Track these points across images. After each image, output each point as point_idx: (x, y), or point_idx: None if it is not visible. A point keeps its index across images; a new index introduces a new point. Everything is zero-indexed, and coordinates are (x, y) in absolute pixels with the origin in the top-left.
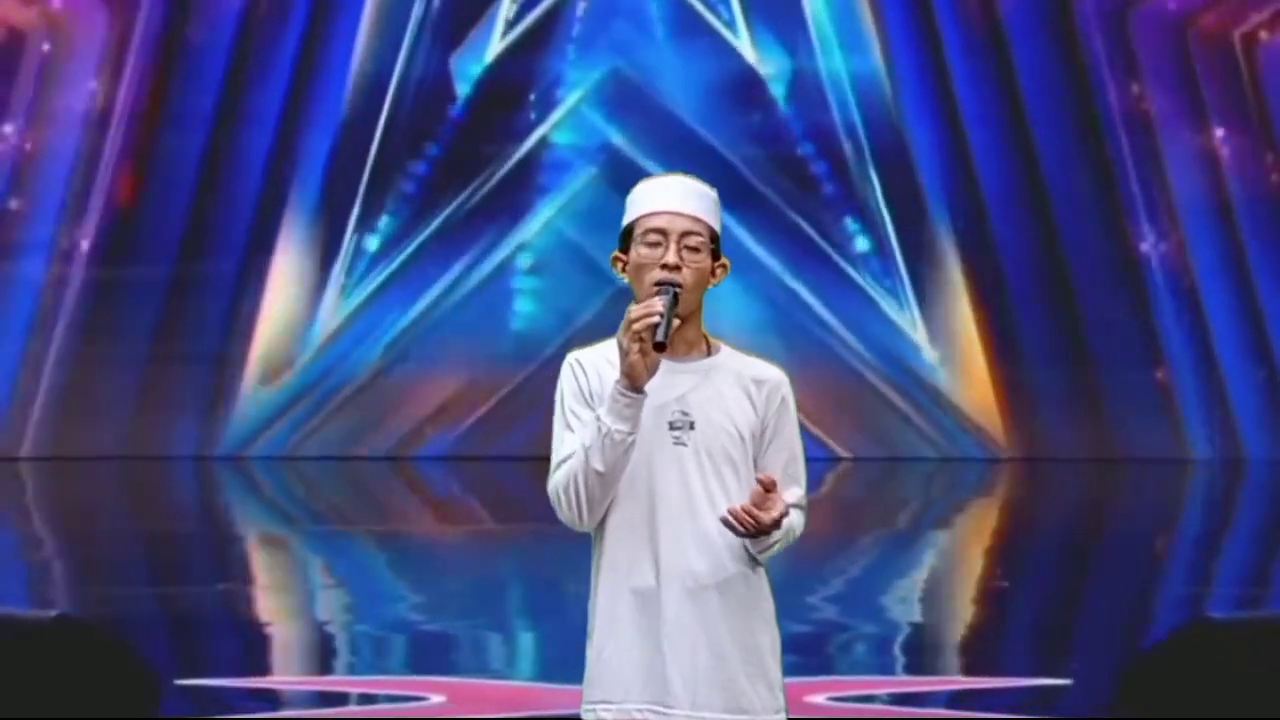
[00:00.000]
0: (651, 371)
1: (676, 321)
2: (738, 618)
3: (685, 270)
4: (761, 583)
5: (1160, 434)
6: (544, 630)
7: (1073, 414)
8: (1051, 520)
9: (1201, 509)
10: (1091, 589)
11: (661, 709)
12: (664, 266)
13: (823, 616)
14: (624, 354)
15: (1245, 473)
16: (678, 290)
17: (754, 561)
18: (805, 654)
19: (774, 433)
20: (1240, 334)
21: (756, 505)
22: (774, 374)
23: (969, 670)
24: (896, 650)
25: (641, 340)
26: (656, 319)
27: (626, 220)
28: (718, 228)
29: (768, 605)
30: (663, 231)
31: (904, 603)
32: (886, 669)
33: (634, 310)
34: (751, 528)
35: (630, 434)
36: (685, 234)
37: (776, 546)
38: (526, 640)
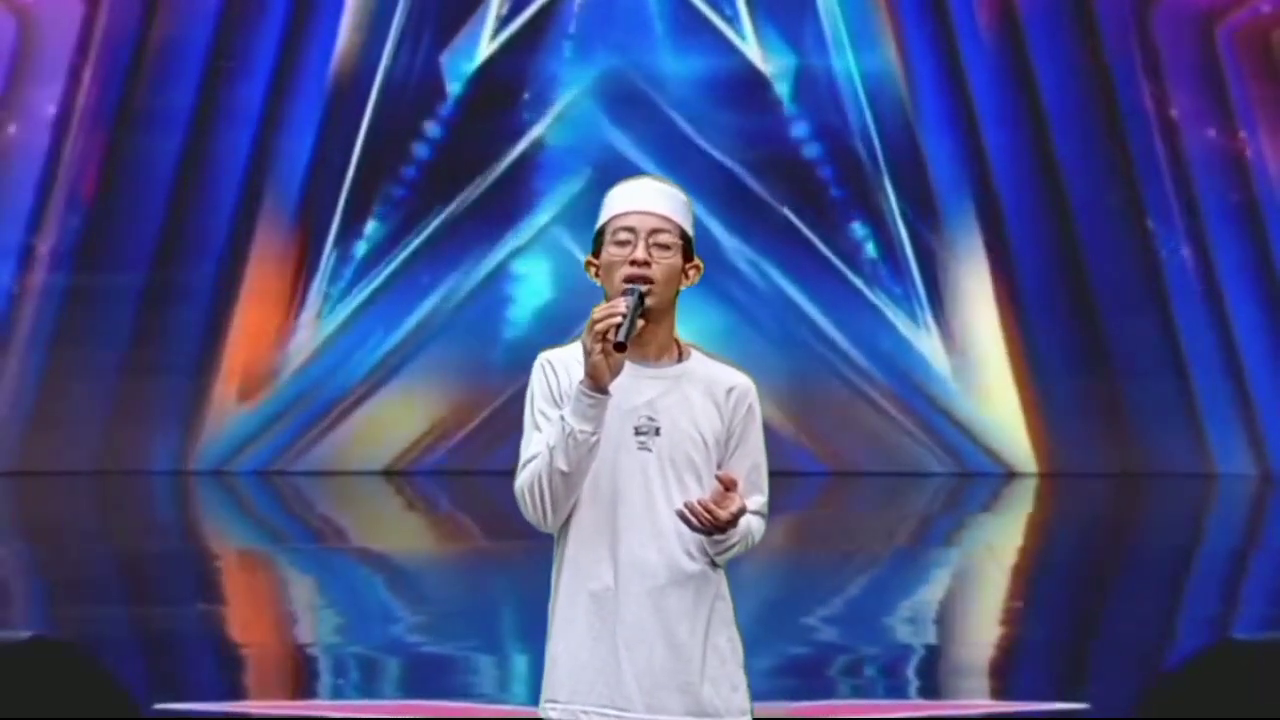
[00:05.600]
0: (615, 372)
1: (641, 323)
2: (696, 619)
3: (654, 267)
4: (720, 584)
5: (1186, 448)
6: (536, 652)
7: (1095, 427)
8: (1073, 537)
9: (1228, 525)
10: (1114, 608)
11: (614, 712)
12: (633, 263)
13: (834, 638)
14: (586, 354)
15: (1273, 488)
16: (644, 291)
17: (713, 564)
18: (814, 677)
19: (739, 440)
20: (1268, 343)
21: (715, 503)
22: (742, 381)
23: (984, 694)
24: (910, 673)
25: (604, 340)
26: (619, 319)
27: (598, 224)
28: (689, 229)
29: (726, 606)
30: (631, 229)
31: (917, 624)
32: (899, 692)
33: (597, 310)
34: (707, 523)
35: (593, 434)
36: (654, 231)
37: (736, 548)
38: (520, 663)
